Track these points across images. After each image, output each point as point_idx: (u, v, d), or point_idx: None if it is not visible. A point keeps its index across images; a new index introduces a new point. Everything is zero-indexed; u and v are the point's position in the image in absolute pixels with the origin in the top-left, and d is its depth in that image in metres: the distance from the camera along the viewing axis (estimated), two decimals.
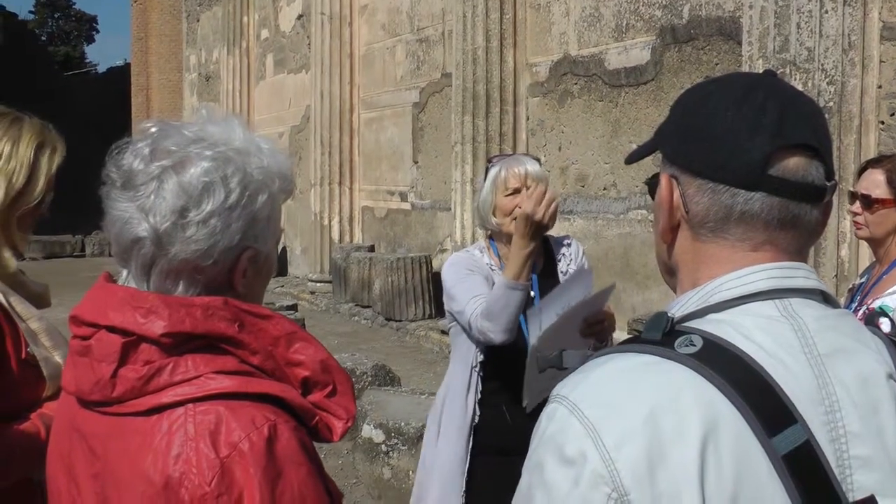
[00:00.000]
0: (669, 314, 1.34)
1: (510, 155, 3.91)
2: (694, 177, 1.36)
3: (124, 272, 1.61)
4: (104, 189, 1.58)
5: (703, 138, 1.35)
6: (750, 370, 1.24)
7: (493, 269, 3.80)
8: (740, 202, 1.33)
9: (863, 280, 4.30)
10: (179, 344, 1.51)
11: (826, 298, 1.37)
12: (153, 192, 1.52)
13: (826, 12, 6.69)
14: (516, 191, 3.71)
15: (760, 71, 1.51)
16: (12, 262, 2.59)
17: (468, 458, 3.74)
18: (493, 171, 3.79)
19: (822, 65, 6.71)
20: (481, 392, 3.75)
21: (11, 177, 2.53)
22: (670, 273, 1.47)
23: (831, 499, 1.21)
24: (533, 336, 3.44)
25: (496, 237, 3.89)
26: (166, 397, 1.49)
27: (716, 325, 1.30)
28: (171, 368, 1.50)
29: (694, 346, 1.26)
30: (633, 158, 1.57)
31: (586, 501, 1.20)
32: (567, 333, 3.40)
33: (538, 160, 3.87)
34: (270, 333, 1.57)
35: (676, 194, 1.39)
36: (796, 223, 1.35)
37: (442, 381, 3.97)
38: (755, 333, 1.28)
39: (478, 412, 3.74)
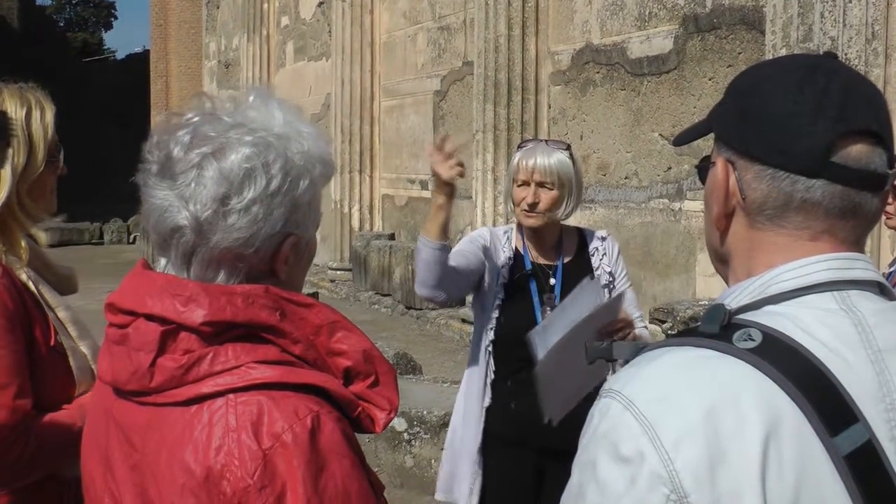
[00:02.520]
0: (726, 305, 1.29)
1: (538, 141, 3.86)
2: (752, 162, 1.32)
3: (162, 261, 1.58)
4: (140, 176, 1.54)
5: (763, 122, 1.31)
6: (811, 366, 1.20)
7: (505, 253, 3.81)
8: (801, 189, 1.29)
9: (892, 269, 4.27)
10: (220, 333, 1.48)
11: (882, 290, 1.33)
12: (193, 179, 1.49)
13: (850, 2, 6.65)
14: (525, 183, 3.71)
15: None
16: (42, 237, 2.53)
17: (481, 442, 3.73)
18: (514, 159, 3.80)
19: (846, 54, 6.66)
20: (494, 373, 3.76)
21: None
22: (722, 261, 1.43)
23: (893, 500, 1.18)
24: (540, 352, 3.28)
25: None
26: (206, 387, 1.46)
27: (773, 318, 1.25)
28: (212, 358, 1.47)
29: (753, 340, 1.22)
30: (682, 140, 1.52)
31: (643, 502, 1.17)
32: (574, 350, 3.09)
33: (568, 146, 3.81)
34: (312, 322, 1.53)
35: (732, 180, 1.34)
36: (857, 212, 1.30)
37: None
38: (814, 327, 1.24)
39: (489, 395, 3.74)
